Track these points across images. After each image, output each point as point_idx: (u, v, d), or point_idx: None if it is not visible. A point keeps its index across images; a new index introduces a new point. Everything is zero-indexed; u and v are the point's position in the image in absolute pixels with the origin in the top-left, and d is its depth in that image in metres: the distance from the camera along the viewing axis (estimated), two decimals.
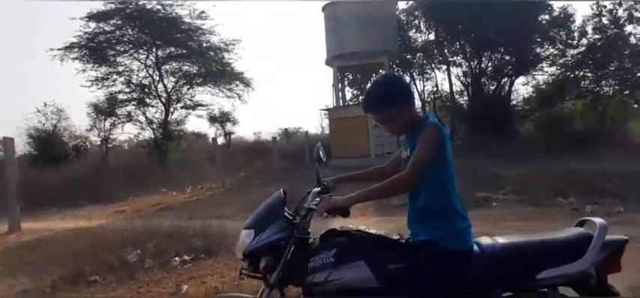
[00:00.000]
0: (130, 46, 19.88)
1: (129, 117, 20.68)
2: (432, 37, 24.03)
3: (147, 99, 20.52)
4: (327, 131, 25.84)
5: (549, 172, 10.60)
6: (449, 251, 2.17)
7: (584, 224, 2.42)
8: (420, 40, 24.72)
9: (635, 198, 8.37)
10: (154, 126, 20.53)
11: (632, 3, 18.99)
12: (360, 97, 26.36)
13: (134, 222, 7.96)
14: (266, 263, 2.24)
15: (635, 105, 21.58)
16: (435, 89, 25.65)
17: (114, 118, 20.87)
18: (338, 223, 2.40)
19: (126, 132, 21.79)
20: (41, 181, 13.25)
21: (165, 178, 15.28)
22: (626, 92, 20.54)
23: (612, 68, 19.77)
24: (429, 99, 25.19)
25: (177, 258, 5.74)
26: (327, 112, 21.89)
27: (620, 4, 19.33)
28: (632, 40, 19.37)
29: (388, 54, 20.40)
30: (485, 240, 2.32)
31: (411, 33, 24.64)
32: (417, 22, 24.23)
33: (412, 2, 23.92)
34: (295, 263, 2.27)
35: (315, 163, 2.76)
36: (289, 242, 2.27)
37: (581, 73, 20.86)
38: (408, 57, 24.19)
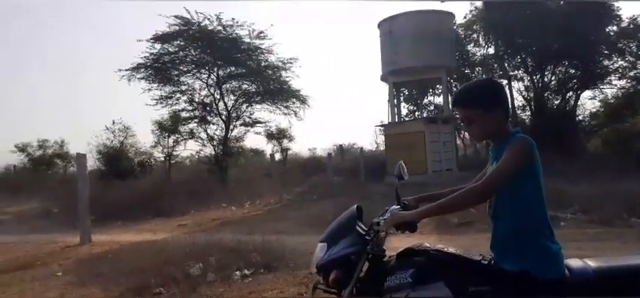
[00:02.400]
0: (193, 65, 20.59)
1: (191, 134, 21.49)
2: (491, 50, 23.49)
3: (208, 117, 21.17)
4: (382, 147, 25.71)
5: (620, 191, 9.97)
6: (542, 281, 2.01)
7: None
8: (478, 55, 24.21)
9: None
10: (215, 142, 21.16)
11: None
12: (416, 113, 26.17)
13: (196, 236, 8.20)
14: (336, 277, 2.21)
15: None
16: None
17: (177, 135, 21.78)
18: (413, 241, 2.35)
19: (188, 149, 22.70)
20: (108, 195, 13.93)
21: (225, 193, 15.68)
22: None
23: None
24: None
25: (237, 272, 5.86)
26: (382, 128, 21.75)
27: None
28: None
29: (445, 68, 20.08)
30: (575, 263, 2.12)
31: (470, 47, 24.17)
32: (475, 36, 23.75)
33: (470, 16, 23.48)
34: (370, 280, 2.22)
35: (396, 181, 2.70)
36: (362, 258, 2.22)
37: None
38: (467, 71, 23.69)
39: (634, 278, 2.03)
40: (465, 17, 23.79)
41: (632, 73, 20.32)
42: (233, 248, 6.84)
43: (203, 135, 21.27)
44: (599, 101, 22.06)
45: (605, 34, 19.85)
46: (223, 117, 20.99)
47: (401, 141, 18.13)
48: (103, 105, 52.71)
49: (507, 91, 22.67)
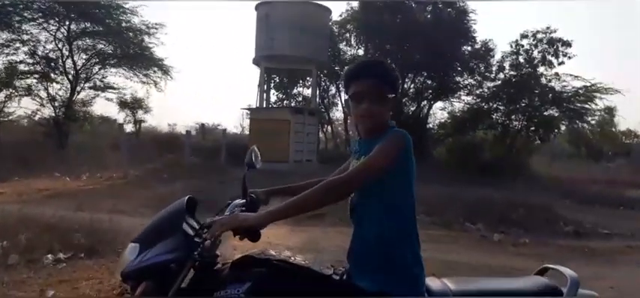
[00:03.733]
0: (40, 14, 18.41)
1: (28, 91, 18.90)
2: (361, 52, 24.22)
3: (52, 74, 19.01)
4: (247, 131, 25.18)
5: (460, 197, 10.76)
6: None
7: (545, 272, 2.12)
8: (348, 54, 24.84)
9: (537, 229, 8.68)
10: (57, 104, 18.98)
11: (546, 46, 20.19)
12: (285, 101, 26.10)
13: (9, 208, 6.93)
14: (144, 290, 1.71)
15: (538, 141, 22.93)
16: None
17: (10, 90, 18.88)
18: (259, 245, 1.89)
19: (23, 107, 19.80)
20: None
21: (62, 162, 13.95)
22: (532, 128, 21.78)
23: (523, 104, 20.91)
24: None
25: (50, 256, 4.96)
26: (248, 112, 21.27)
27: (536, 46, 20.50)
28: (543, 80, 20.58)
29: (316, 63, 20.28)
30: (435, 283, 1.93)
31: (342, 45, 24.74)
32: (348, 35, 24.35)
33: (346, 15, 24.00)
34: (194, 293, 1.75)
35: (246, 169, 2.19)
36: (186, 266, 1.72)
37: (495, 105, 21.88)
38: (336, 68, 24.21)
39: None
40: (340, 15, 24.31)
41: (478, 91, 22.47)
42: (53, 225, 5.87)
43: (43, 93, 18.90)
44: (448, 113, 24.10)
45: (461, 52, 21.67)
46: (70, 76, 18.86)
47: (266, 127, 17.83)
48: None
49: None
